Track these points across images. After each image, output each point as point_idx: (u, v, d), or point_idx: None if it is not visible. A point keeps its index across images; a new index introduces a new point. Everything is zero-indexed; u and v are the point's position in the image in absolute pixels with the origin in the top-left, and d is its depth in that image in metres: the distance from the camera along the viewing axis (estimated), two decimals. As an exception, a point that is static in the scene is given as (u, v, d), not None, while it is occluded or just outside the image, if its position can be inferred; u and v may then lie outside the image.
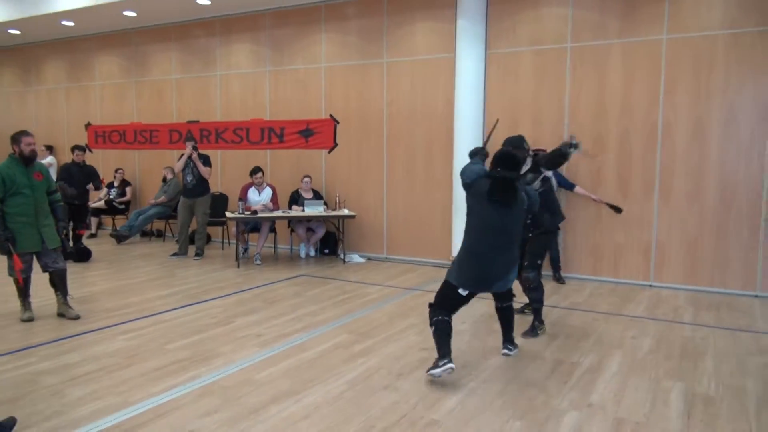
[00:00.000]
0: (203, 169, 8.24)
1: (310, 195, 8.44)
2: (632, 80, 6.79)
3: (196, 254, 8.29)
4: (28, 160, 5.09)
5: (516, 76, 7.43)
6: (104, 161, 11.11)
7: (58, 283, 5.31)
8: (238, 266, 7.74)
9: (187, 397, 3.59)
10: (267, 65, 9.29)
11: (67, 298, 5.36)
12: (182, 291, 6.44)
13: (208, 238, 9.66)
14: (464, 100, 7.60)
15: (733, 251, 6.41)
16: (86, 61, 11.32)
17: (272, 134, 9.29)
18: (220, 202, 9.38)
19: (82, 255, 7.92)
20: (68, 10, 9.50)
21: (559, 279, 6.97)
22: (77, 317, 5.27)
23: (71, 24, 10.39)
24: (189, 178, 8.26)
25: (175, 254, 8.41)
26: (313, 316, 5.46)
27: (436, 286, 6.69)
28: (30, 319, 5.17)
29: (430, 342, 4.68)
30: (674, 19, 6.54)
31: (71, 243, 7.72)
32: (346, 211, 8.22)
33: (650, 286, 6.79)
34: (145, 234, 10.27)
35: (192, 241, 8.68)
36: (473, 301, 6.06)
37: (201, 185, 8.31)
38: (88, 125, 11.38)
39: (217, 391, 3.67)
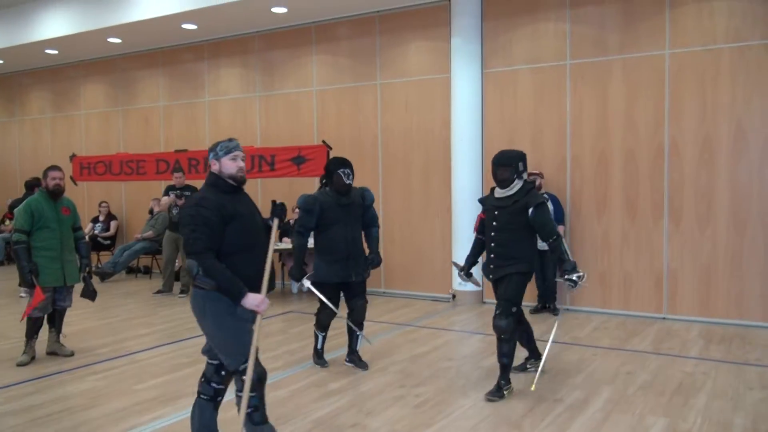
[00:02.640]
0: None
1: (301, 226, 8.80)
2: (636, 97, 7.09)
3: (181, 291, 8.68)
4: (54, 195, 5.58)
5: (514, 95, 7.78)
6: (89, 194, 11.67)
7: (57, 321, 5.76)
8: (224, 303, 8.09)
9: (148, 436, 3.91)
10: (257, 90, 9.80)
11: (60, 336, 5.78)
12: (162, 330, 6.81)
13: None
14: (461, 122, 7.97)
15: (750, 279, 6.58)
16: (71, 89, 12.00)
17: (263, 162, 9.74)
18: (208, 236, 9.79)
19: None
20: (52, 38, 10.17)
21: (553, 309, 7.19)
22: (71, 354, 5.74)
23: (55, 52, 11.07)
24: (175, 211, 8.70)
25: (159, 291, 8.83)
26: (292, 354, 5.77)
27: (431, 322, 7.04)
28: (24, 363, 5.48)
29: (411, 380, 4.98)
30: (676, 33, 6.85)
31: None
32: (339, 243, 8.56)
33: (663, 318, 6.96)
34: (131, 270, 10.73)
35: (177, 278, 9.09)
36: (461, 337, 6.31)
37: None
38: (73, 156, 11.98)
39: (180, 430, 3.98)
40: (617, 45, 7.18)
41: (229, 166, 3.37)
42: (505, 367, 4.57)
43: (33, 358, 5.58)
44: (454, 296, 8.08)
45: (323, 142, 9.22)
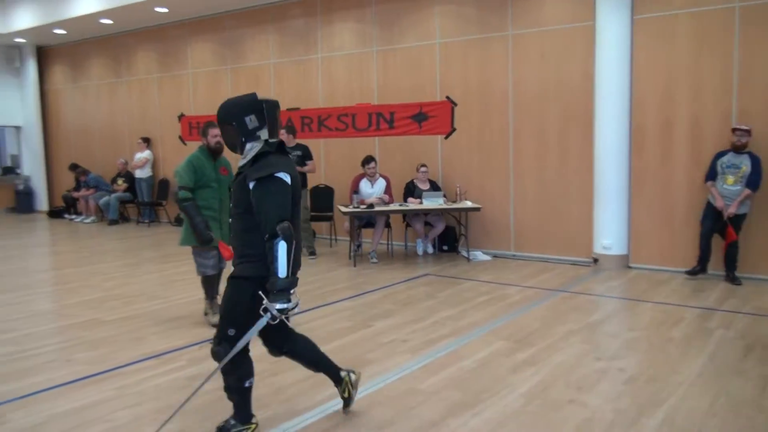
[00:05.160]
0: (306, 169, 8.35)
1: (426, 186, 8.44)
2: (821, 42, 6.30)
3: (311, 254, 8.47)
4: (215, 153, 5.36)
5: (670, 43, 7.08)
6: (199, 154, 11.60)
7: (215, 283, 5.58)
8: (355, 265, 7.87)
9: (355, 406, 3.65)
10: (374, 45, 9.36)
11: (214, 301, 5.62)
12: (304, 292, 6.59)
13: (313, 235, 9.89)
14: (607, 74, 7.35)
15: None
16: (178, 49, 11.87)
17: (381, 120, 9.36)
18: (325, 196, 9.57)
19: None
20: (164, -5, 10.01)
21: (734, 279, 6.56)
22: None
23: (165, 10, 10.90)
24: None
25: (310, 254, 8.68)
26: (455, 320, 5.44)
27: (581, 288, 6.60)
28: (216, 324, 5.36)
29: (603, 351, 4.58)
30: None
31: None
32: (468, 203, 8.16)
33: None
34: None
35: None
36: (630, 305, 5.84)
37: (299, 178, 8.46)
38: (181, 116, 11.93)
39: (385, 402, 3.72)
40: (800, -17, 6.38)
41: None
42: (236, 405, 3.34)
43: None
44: (596, 260, 7.58)
45: (447, 98, 8.75)
